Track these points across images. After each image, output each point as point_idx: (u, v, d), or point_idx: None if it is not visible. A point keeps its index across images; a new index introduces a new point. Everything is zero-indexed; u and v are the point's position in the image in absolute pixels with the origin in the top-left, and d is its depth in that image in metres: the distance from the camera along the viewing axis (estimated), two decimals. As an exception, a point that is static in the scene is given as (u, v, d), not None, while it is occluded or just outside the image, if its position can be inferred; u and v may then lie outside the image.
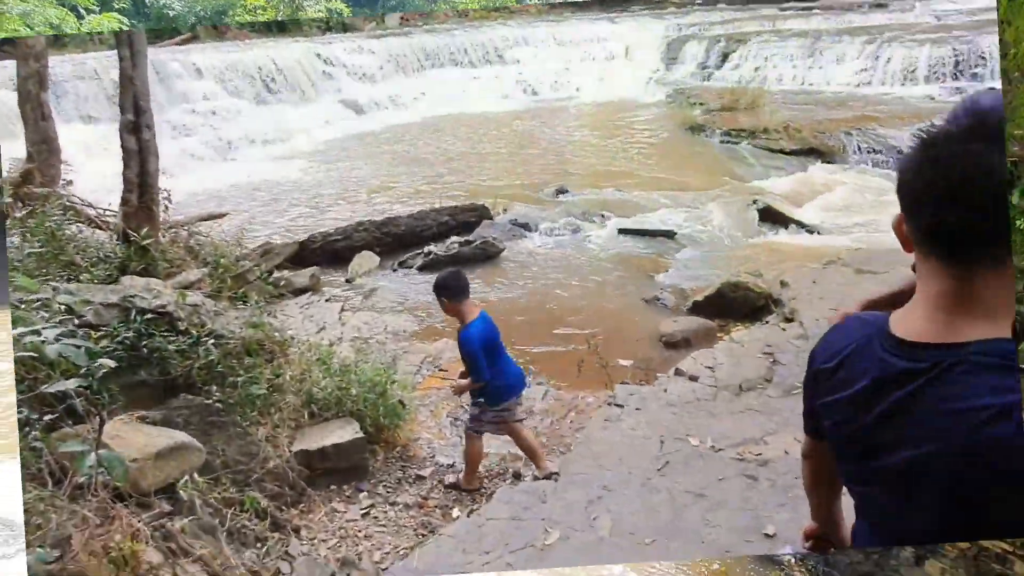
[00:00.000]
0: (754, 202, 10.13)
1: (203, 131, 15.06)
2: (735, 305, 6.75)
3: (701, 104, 16.25)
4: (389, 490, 4.29)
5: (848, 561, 2.50)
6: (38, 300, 3.48)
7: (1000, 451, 0.96)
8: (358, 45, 20.67)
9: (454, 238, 8.97)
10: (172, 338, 4.02)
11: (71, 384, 2.73)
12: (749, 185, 11.58)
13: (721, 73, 19.10)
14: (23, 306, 3.38)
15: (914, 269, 2.12)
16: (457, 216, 9.57)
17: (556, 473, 4.03)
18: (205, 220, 7.36)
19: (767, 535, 3.05)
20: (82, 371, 2.97)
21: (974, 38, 16.22)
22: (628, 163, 13.30)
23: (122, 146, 5.42)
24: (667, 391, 4.46)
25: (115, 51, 5.51)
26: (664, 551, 2.99)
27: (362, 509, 4.06)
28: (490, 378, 3.97)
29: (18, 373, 3.02)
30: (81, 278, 4.82)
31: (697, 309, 6.97)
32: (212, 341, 4.07)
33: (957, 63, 15.71)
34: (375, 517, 4.02)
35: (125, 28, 14.59)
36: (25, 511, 2.61)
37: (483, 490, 4.30)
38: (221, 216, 7.93)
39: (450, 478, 4.39)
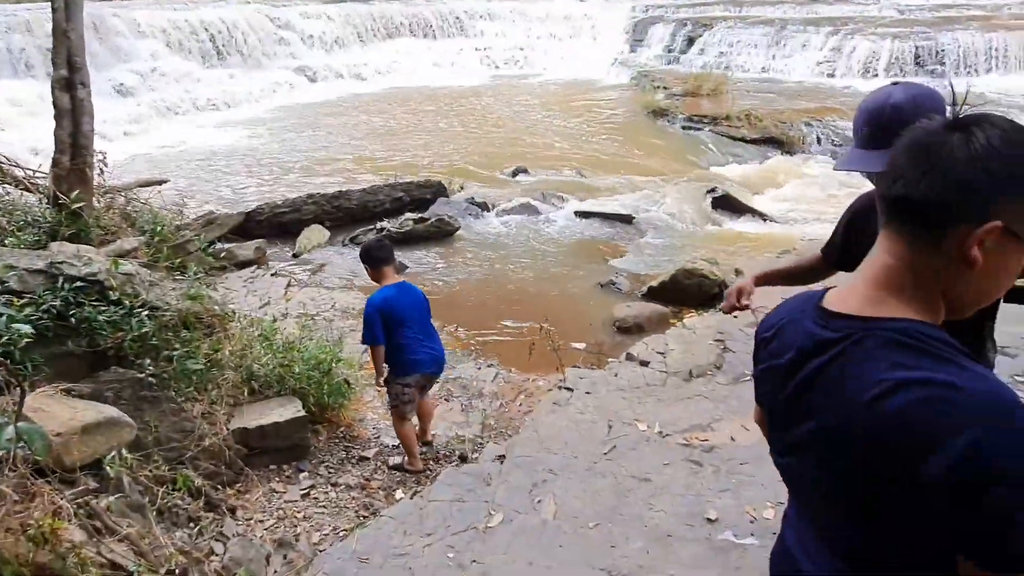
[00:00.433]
0: (713, 189, 10.19)
1: (145, 92, 14.47)
2: (689, 292, 6.79)
3: (665, 88, 16.28)
4: (331, 471, 4.19)
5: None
6: (-45, 264, 3.26)
7: (883, 425, 0.94)
8: (315, 10, 20.07)
9: (408, 215, 8.82)
10: (103, 308, 3.81)
11: (-11, 353, 2.55)
12: (708, 172, 11.66)
13: (686, 57, 19.18)
14: (-62, 270, 3.15)
15: (823, 252, 2.12)
16: (412, 192, 9.40)
17: (430, 444, 4.47)
18: (144, 186, 7.03)
19: (709, 520, 3.05)
20: (2, 339, 2.81)
21: (934, 34, 16.57)
22: (589, 145, 13.26)
23: (54, 104, 5.11)
24: (617, 375, 4.43)
25: (49, 2, 5.16)
26: (607, 535, 2.96)
27: (302, 490, 3.95)
28: (395, 348, 4.06)
29: (-69, 340, 2.83)
30: (6, 242, 4.55)
31: (652, 295, 6.99)
32: (146, 312, 3.87)
33: (917, 57, 16.05)
34: (315, 498, 3.91)
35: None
36: (-64, 486, 2.45)
37: (428, 472, 4.26)
38: (161, 183, 7.59)
39: (395, 459, 4.33)
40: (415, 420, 4.48)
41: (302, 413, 4.18)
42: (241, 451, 3.94)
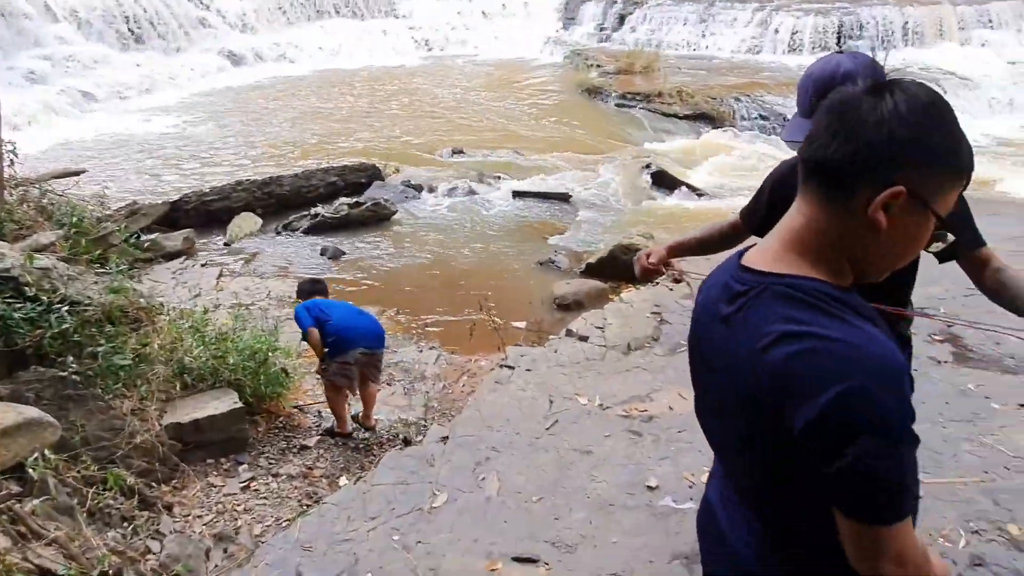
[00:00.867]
0: (647, 166, 10.34)
1: (58, 79, 13.72)
2: (627, 267, 6.84)
3: (598, 66, 16.38)
4: (271, 461, 4.11)
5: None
6: None
7: (765, 376, 0.96)
8: (239, -10, 19.30)
9: (343, 199, 8.66)
10: (19, 305, 3.63)
11: None
12: (643, 149, 11.82)
13: (618, 35, 19.31)
14: None
15: (743, 216, 2.17)
16: (346, 176, 9.23)
17: (372, 429, 4.59)
18: (59, 177, 6.69)
19: (649, 487, 3.12)
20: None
21: (855, 9, 17.11)
22: (525, 124, 13.25)
23: (-44, 92, 4.80)
24: (558, 352, 4.47)
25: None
26: (550, 508, 3.00)
27: (242, 482, 3.87)
28: (328, 333, 4.35)
29: None
30: (-91, 240, 4.27)
31: (590, 271, 7.07)
32: (66, 308, 3.71)
33: (839, 33, 16.56)
34: (256, 490, 3.84)
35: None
36: None
37: (354, 436, 4.52)
38: (78, 173, 7.23)
39: (325, 425, 4.54)
40: (355, 401, 4.71)
41: (239, 405, 4.09)
42: (176, 447, 3.83)
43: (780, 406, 0.95)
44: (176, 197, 8.43)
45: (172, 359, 4.10)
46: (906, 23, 16.79)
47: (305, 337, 4.46)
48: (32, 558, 2.73)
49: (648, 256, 2.17)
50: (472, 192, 9.53)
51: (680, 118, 13.35)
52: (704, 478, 3.12)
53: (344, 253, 7.66)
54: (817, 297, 0.97)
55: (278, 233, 8.20)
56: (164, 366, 4.05)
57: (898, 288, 1.95)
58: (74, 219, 5.32)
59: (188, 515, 3.57)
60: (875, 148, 0.94)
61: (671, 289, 5.51)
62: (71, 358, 3.69)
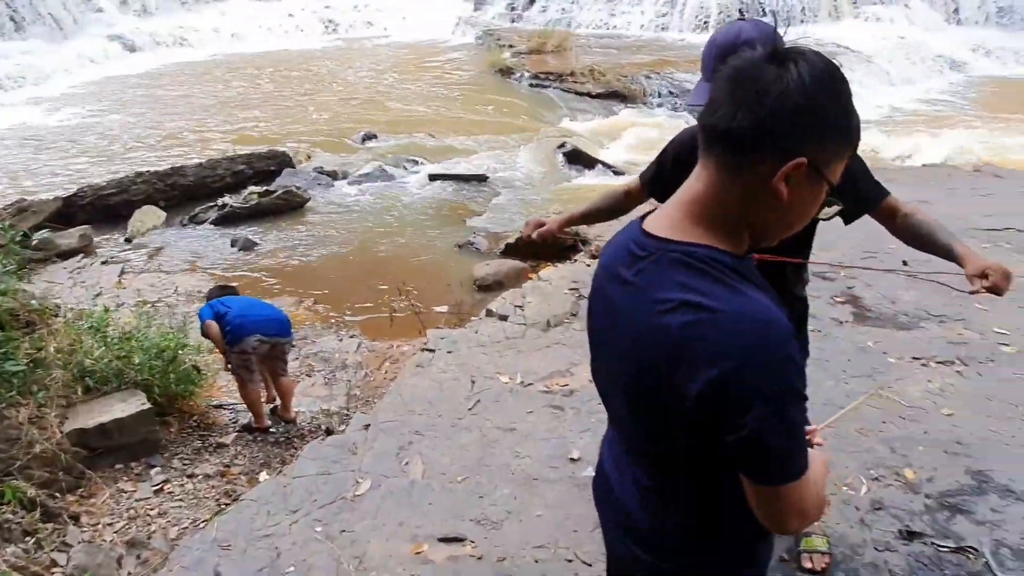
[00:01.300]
0: (563, 145, 10.40)
1: (-73, 69, 12.68)
2: (544, 246, 6.91)
3: (510, 47, 16.32)
4: (186, 462, 3.96)
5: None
6: None
7: (660, 343, 0.98)
8: (130, -28, 18.24)
9: (252, 188, 8.36)
10: None
11: None
12: (558, 128, 11.88)
13: (529, 15, 19.29)
14: None
15: (645, 181, 2.22)
16: (254, 164, 8.91)
17: (292, 421, 4.54)
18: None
19: (572, 459, 3.17)
20: None
21: (759, -12, 17.66)
22: (438, 107, 13.10)
23: None
24: (478, 332, 4.47)
25: None
26: (475, 487, 3.01)
27: (154, 486, 3.71)
28: (226, 324, 4.30)
29: None
30: None
31: (509, 251, 7.07)
32: (-54, 314, 3.45)
33: (741, 11, 17.08)
34: (171, 492, 3.69)
35: None
36: None
37: (274, 430, 4.43)
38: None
39: (242, 421, 4.42)
40: (269, 388, 4.69)
41: (147, 406, 3.91)
42: (81, 454, 3.64)
43: (675, 372, 0.96)
44: (69, 192, 7.93)
45: (71, 362, 3.87)
46: (804, 3, 17.50)
47: (204, 332, 4.40)
48: (-80, 581, 2.56)
49: (534, 227, 2.23)
50: (388, 177, 9.37)
51: (593, 97, 13.47)
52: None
53: (256, 244, 7.41)
54: (712, 265, 0.98)
55: (184, 226, 7.84)
56: (62, 370, 3.82)
57: (799, 250, 2.04)
58: (-48, 219, 4.94)
59: (97, 524, 3.40)
60: (779, 119, 0.94)
61: (588, 265, 5.59)
62: (-45, 367, 3.45)
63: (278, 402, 4.64)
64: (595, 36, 17.47)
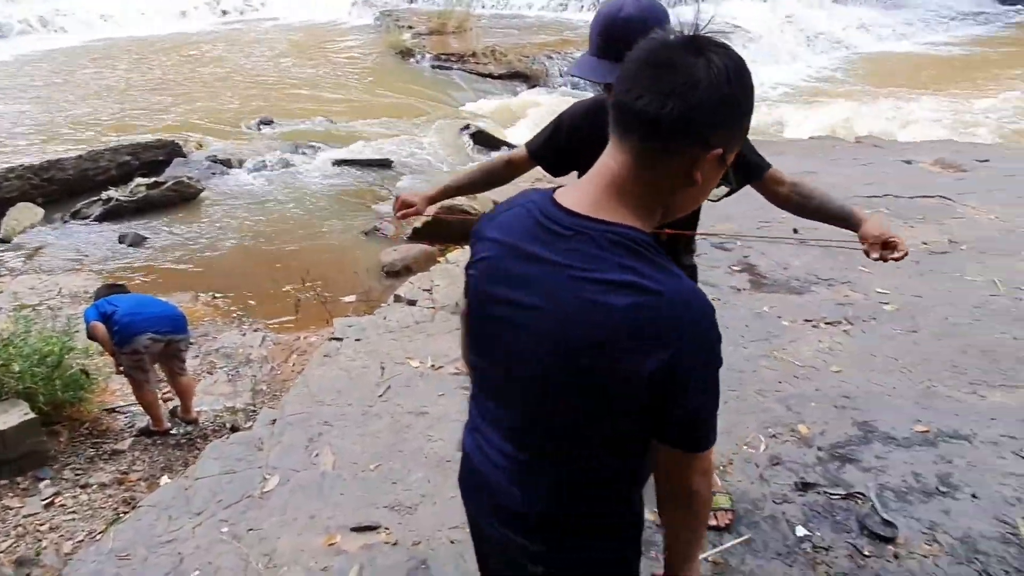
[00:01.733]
0: (467, 127, 10.35)
1: None
2: (452, 228, 6.87)
3: (410, 28, 16.03)
4: (79, 472, 3.74)
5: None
6: None
7: (601, 324, 1.00)
8: (-11, -49, 16.79)
9: (140, 180, 7.87)
10: None
11: None
12: (462, 110, 11.79)
13: (427, -5, 18.98)
14: None
15: (532, 151, 2.23)
16: (140, 155, 8.41)
17: (195, 422, 4.36)
18: None
19: (485, 440, 3.17)
20: None
21: (664, -32, 18.02)
22: (337, 91, 12.74)
23: None
24: (387, 318, 4.40)
25: None
26: (387, 473, 2.97)
27: (44, 499, 3.49)
28: (113, 324, 4.07)
29: None
30: None
31: (416, 236, 6.99)
32: None
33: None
34: (62, 505, 3.48)
35: None
36: None
37: (174, 432, 4.25)
38: None
39: (139, 425, 4.24)
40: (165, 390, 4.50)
41: (31, 416, 3.67)
42: (-44, 472, 3.37)
43: (623, 355, 0.99)
44: (-70, 191, 7.27)
45: (-62, 375, 3.57)
46: (696, -18, 18.00)
47: (90, 334, 4.16)
48: None
49: (401, 206, 2.23)
50: (287, 164, 9.05)
51: (496, 78, 13.45)
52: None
53: (146, 239, 7.01)
54: (645, 247, 1.02)
55: (65, 223, 7.32)
56: (-71, 384, 3.52)
57: (688, 221, 2.10)
58: None
59: (-20, 546, 3.16)
60: (706, 110, 0.97)
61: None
62: None
63: (178, 403, 4.43)
64: (495, 16, 17.41)
